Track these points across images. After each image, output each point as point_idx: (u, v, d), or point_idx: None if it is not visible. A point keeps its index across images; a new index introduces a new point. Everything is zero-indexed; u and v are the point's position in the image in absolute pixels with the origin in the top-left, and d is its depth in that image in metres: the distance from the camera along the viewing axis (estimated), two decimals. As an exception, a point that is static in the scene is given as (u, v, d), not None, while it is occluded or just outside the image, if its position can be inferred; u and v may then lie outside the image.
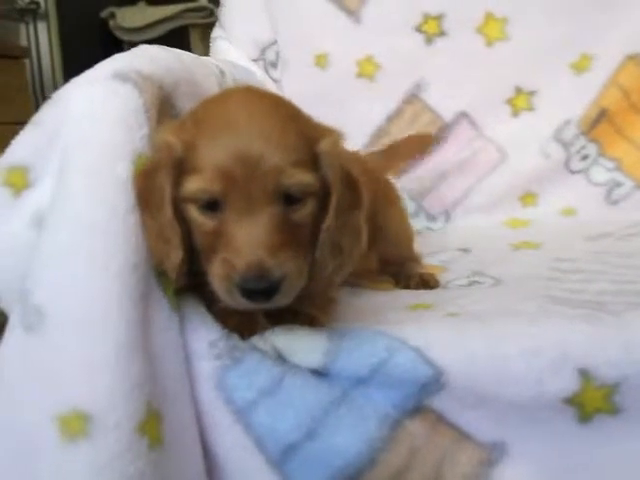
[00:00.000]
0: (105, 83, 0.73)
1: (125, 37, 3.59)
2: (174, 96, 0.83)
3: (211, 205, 0.71)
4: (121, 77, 0.74)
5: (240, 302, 0.69)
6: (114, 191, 0.69)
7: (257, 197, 0.69)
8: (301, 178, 0.71)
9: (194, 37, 3.68)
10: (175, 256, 0.72)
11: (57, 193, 0.70)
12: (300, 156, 0.72)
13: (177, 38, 3.51)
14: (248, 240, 0.69)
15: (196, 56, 0.98)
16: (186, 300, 0.78)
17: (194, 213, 0.72)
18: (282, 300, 0.70)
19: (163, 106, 0.79)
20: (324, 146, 0.74)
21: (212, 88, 0.96)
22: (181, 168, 0.71)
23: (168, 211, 0.72)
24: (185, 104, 0.85)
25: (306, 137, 0.74)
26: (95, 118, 0.71)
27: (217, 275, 0.70)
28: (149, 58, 0.81)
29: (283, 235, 0.70)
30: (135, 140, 0.72)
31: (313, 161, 0.73)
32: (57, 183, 0.70)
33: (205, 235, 0.72)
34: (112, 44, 3.54)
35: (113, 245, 0.67)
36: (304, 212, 0.73)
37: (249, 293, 0.68)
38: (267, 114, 0.73)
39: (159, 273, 0.73)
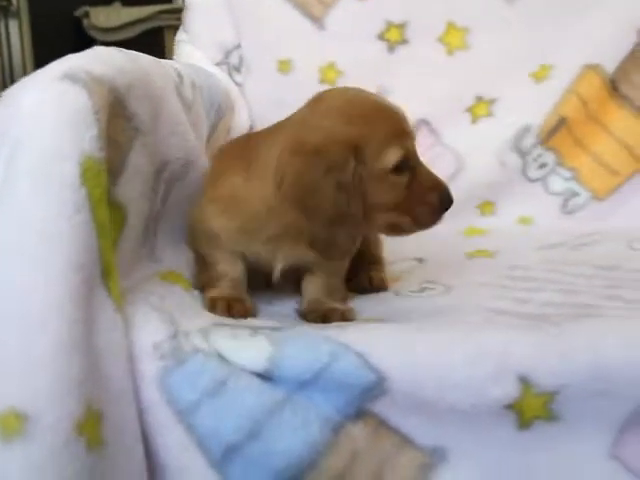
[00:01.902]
0: (54, 83, 0.73)
1: (99, 37, 3.56)
2: (127, 98, 0.83)
3: (402, 166, 0.91)
4: (71, 78, 0.74)
5: (438, 217, 0.95)
6: (60, 191, 0.69)
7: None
8: None
9: (169, 38, 3.66)
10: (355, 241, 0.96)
11: (2, 192, 0.69)
12: None
13: (152, 39, 3.50)
14: (433, 174, 0.95)
15: (154, 59, 0.98)
16: (131, 301, 0.79)
17: (392, 178, 0.91)
18: None
19: (114, 108, 0.80)
20: None
21: (169, 92, 0.96)
22: (362, 155, 0.89)
23: (358, 204, 0.90)
24: (139, 106, 0.86)
25: None
26: (43, 118, 0.71)
27: (428, 205, 0.93)
28: (102, 59, 0.81)
29: None
30: (83, 141, 0.72)
31: None
32: (3, 182, 0.70)
33: (400, 191, 0.92)
34: (86, 44, 3.51)
35: (57, 245, 0.67)
36: None
37: (449, 204, 0.94)
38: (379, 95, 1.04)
39: (104, 274, 0.73)
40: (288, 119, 0.97)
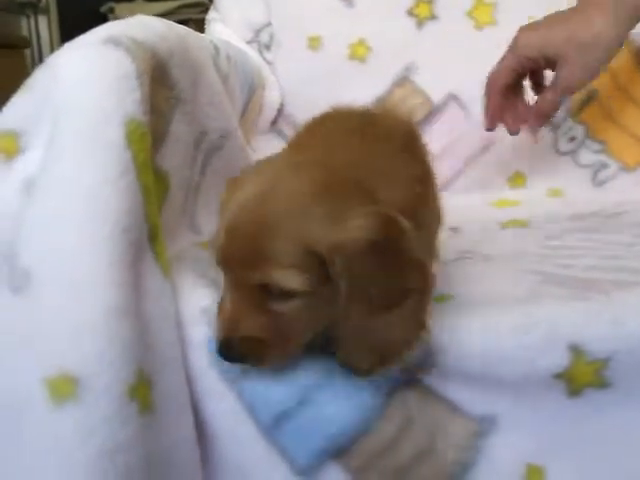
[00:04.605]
0: (97, 47, 0.69)
1: (124, 31, 3.53)
2: (169, 65, 0.79)
3: None
4: (113, 42, 0.70)
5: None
6: (105, 155, 0.65)
7: (240, 282, 0.65)
8: (283, 282, 0.63)
9: (190, 32, 3.64)
10: None
11: (47, 157, 0.65)
12: (292, 260, 0.62)
13: (175, 32, 3.47)
14: (224, 314, 0.66)
15: (191, 30, 0.94)
16: (179, 267, 0.75)
17: None
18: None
19: (156, 73, 0.75)
20: (326, 248, 0.62)
21: (206, 61, 0.92)
22: None
23: None
24: (180, 74, 0.81)
25: (315, 235, 0.62)
26: (86, 82, 0.67)
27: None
28: (143, 26, 0.77)
29: (263, 320, 0.65)
30: (126, 104, 0.67)
31: (316, 259, 0.62)
32: (47, 147, 0.66)
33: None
34: (111, 38, 3.49)
35: (103, 209, 0.63)
36: (291, 306, 0.65)
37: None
38: (280, 208, 0.63)
39: (151, 237, 0.69)
40: None
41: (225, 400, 0.69)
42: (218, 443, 0.71)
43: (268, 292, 0.64)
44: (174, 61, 0.80)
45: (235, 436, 0.70)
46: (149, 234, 0.69)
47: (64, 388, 0.58)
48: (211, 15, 1.49)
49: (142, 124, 0.69)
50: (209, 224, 0.94)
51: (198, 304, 0.71)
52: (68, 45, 0.72)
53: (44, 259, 0.62)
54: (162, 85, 0.78)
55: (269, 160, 0.74)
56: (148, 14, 2.70)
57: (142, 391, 0.63)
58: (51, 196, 0.64)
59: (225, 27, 1.44)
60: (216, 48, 1.00)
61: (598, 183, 1.33)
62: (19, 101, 0.72)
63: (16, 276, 0.62)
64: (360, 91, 1.37)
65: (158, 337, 0.67)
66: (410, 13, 1.41)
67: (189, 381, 0.70)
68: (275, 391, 0.69)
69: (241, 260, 0.64)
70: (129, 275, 0.64)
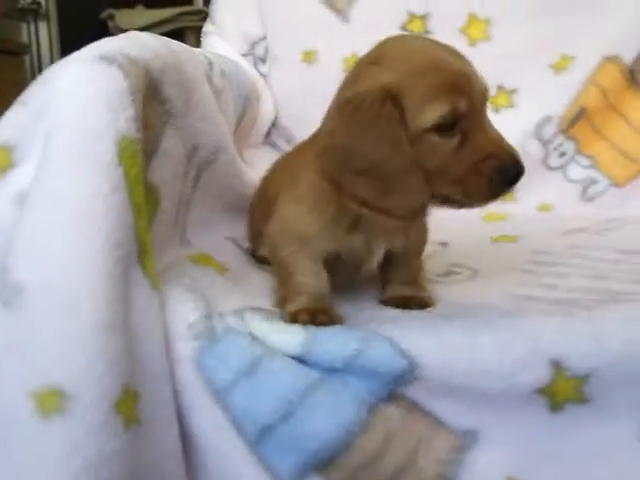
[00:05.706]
0: (90, 64, 0.70)
1: (123, 38, 3.53)
2: (161, 81, 0.80)
3: (449, 126, 0.74)
4: (107, 59, 0.71)
5: (496, 191, 0.76)
6: (97, 171, 0.65)
7: (484, 106, 0.79)
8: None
9: (190, 39, 3.64)
10: (422, 195, 0.77)
11: (40, 172, 0.66)
12: None
13: (173, 40, 3.47)
14: (498, 139, 0.77)
15: (185, 46, 0.95)
16: (167, 282, 0.75)
17: (434, 139, 0.75)
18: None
19: (149, 90, 0.76)
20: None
21: (200, 77, 0.93)
22: (402, 110, 0.74)
23: (408, 153, 0.75)
24: (172, 90, 0.82)
25: None
26: (79, 98, 0.68)
27: (484, 176, 0.75)
28: (137, 43, 0.78)
29: None
30: (119, 121, 0.68)
31: None
32: (40, 162, 0.67)
33: (445, 156, 0.75)
34: (111, 44, 3.49)
35: (94, 224, 0.64)
36: None
37: (514, 177, 0.76)
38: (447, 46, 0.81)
39: (140, 253, 0.70)
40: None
41: (210, 414, 0.70)
42: (203, 456, 0.72)
43: None
44: (167, 78, 0.81)
45: (220, 449, 0.71)
46: (138, 250, 0.69)
47: (51, 402, 0.59)
48: (207, 28, 1.50)
49: (134, 141, 0.70)
50: (200, 236, 0.95)
51: (185, 319, 0.72)
52: (63, 61, 0.73)
53: (34, 273, 0.62)
54: (154, 100, 0.79)
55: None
56: (147, 21, 2.68)
57: (128, 405, 0.63)
58: (43, 211, 0.65)
59: (221, 40, 1.45)
60: (210, 63, 1.01)
61: (588, 198, 1.34)
62: (13, 115, 0.72)
63: (7, 290, 0.62)
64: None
65: (145, 351, 0.67)
66: (404, 28, 1.43)
67: (175, 395, 0.71)
68: (259, 405, 0.70)
69: (483, 87, 0.79)
70: (117, 290, 0.65)
